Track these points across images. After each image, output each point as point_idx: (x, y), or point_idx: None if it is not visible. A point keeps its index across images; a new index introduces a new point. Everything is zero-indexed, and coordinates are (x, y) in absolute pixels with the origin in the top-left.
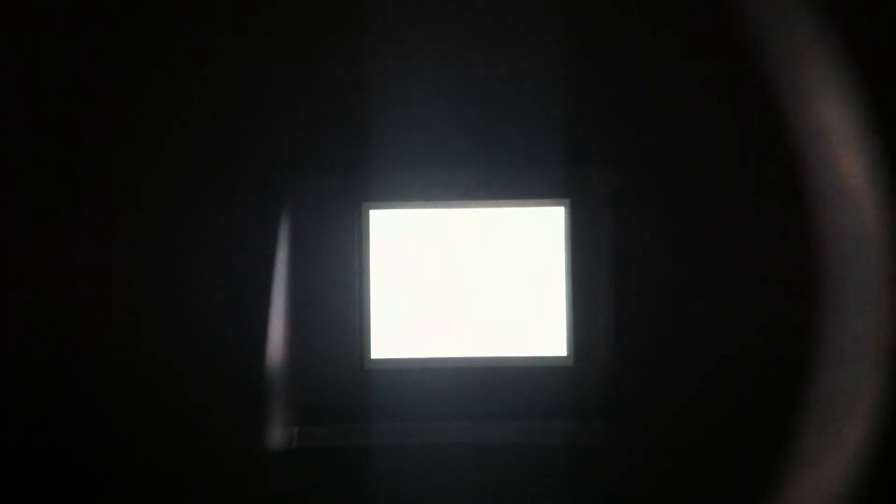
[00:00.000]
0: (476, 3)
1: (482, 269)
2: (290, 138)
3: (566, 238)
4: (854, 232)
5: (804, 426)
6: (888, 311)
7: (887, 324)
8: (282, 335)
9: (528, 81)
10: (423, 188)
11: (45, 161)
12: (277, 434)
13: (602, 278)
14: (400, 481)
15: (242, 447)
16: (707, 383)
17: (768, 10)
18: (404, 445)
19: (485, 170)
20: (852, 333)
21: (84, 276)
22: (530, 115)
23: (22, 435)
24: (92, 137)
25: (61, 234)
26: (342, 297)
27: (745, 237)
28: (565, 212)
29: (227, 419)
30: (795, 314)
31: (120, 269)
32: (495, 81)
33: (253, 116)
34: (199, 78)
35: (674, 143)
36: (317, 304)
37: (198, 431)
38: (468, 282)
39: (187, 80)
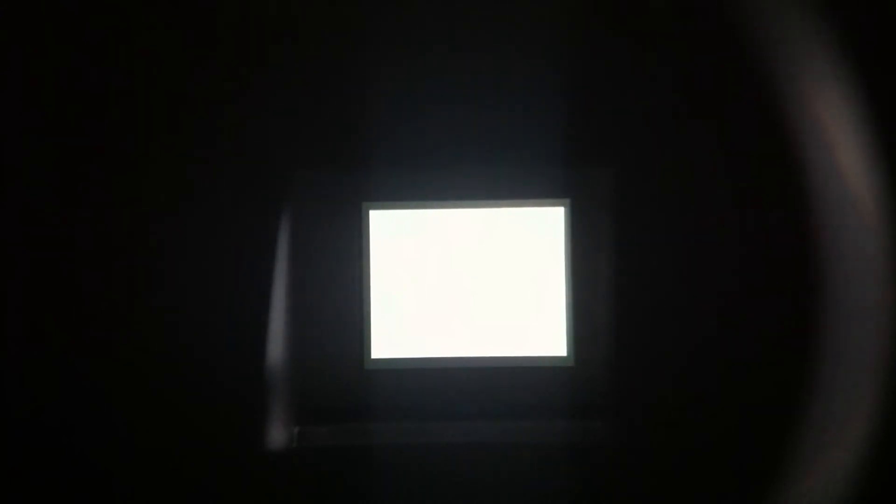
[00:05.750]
0: (476, 3)
1: (482, 269)
2: (289, 138)
3: (566, 238)
4: (853, 231)
5: (804, 426)
6: (888, 310)
7: (887, 323)
8: (282, 335)
9: (528, 81)
10: (423, 188)
11: (45, 161)
12: (277, 434)
13: (602, 278)
14: (400, 481)
15: (242, 447)
16: (707, 383)
17: (768, 9)
18: (404, 445)
19: (485, 170)
20: (852, 333)
21: (84, 276)
22: (530, 115)
23: (22, 435)
24: (92, 137)
25: (61, 234)
26: (342, 297)
27: (745, 237)
28: (565, 212)
29: (227, 419)
30: (795, 314)
31: (120, 268)
32: (495, 81)
33: (253, 116)
34: (200, 77)
35: (673, 144)
36: (317, 304)
37: (198, 431)
38: (468, 282)
39: (188, 79)
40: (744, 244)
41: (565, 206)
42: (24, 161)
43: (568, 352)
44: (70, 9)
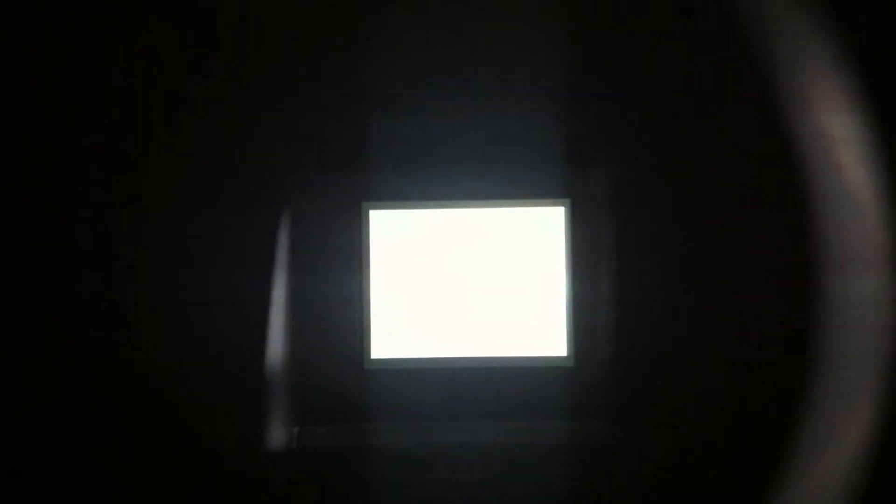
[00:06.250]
0: (476, 4)
1: (482, 269)
2: (290, 138)
3: (566, 238)
4: (853, 232)
5: (804, 426)
6: (887, 311)
7: (887, 324)
8: (282, 335)
9: (528, 81)
10: (423, 188)
11: (45, 161)
12: (277, 434)
13: (602, 278)
14: (400, 481)
15: (242, 447)
16: (706, 383)
17: (768, 10)
18: (404, 445)
19: (485, 170)
20: (852, 332)
21: (84, 276)
22: (530, 115)
23: (22, 435)
24: (92, 137)
25: (61, 234)
26: (342, 297)
27: (745, 237)
28: (565, 212)
29: (227, 419)
30: (795, 314)
31: (120, 269)
32: (495, 81)
33: (253, 117)
34: (200, 78)
35: (673, 144)
36: (317, 304)
37: (198, 431)
38: (468, 282)
39: (188, 80)
40: (743, 244)
41: (565, 206)
42: (24, 161)
43: (568, 352)
44: (70, 9)
